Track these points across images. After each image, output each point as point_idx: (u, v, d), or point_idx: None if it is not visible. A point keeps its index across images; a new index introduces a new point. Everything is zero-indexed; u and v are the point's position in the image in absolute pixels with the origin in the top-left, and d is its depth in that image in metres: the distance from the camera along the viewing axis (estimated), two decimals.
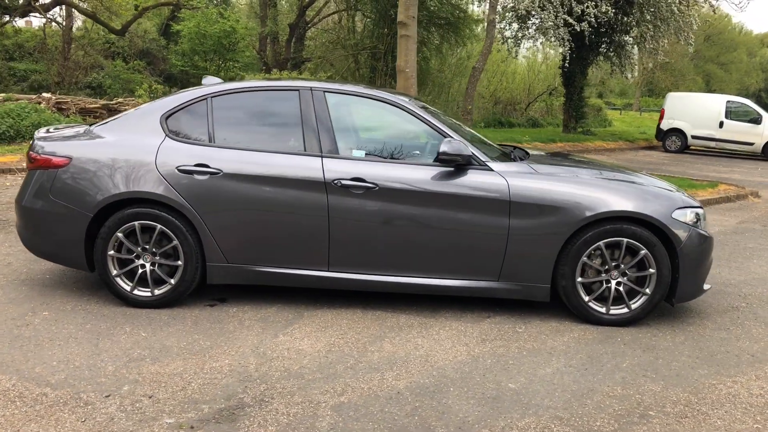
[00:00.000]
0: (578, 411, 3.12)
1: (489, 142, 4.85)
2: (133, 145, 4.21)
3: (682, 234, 4.17)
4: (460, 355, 3.71)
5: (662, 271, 4.17)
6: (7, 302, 4.20)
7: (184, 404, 3.01)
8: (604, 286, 4.25)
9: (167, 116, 4.30)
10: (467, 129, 4.96)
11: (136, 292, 4.20)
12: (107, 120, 4.52)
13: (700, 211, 4.35)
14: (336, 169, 4.13)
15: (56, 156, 4.21)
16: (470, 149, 4.17)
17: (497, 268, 4.18)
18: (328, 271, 4.23)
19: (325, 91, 4.33)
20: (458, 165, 4.14)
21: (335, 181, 4.09)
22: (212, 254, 4.19)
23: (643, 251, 4.17)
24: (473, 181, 4.13)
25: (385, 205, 4.11)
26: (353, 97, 4.39)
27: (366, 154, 4.26)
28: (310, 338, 3.86)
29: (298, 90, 4.34)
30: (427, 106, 4.77)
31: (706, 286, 4.43)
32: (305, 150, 4.20)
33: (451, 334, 4.00)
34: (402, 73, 12.72)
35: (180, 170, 4.11)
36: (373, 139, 4.45)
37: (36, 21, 27.57)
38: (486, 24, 18.09)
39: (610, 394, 3.30)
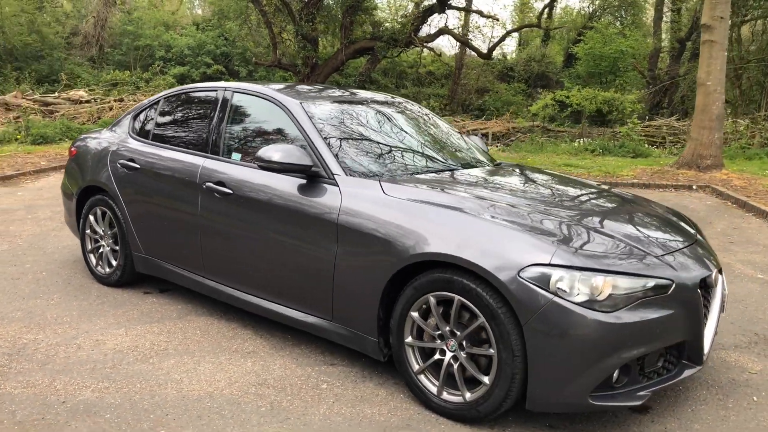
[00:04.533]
0: None
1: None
2: (107, 141, 4.83)
3: (531, 304, 2.72)
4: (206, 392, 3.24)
5: (504, 354, 2.80)
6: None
7: None
8: (437, 357, 3.07)
9: (134, 116, 4.80)
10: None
11: (99, 268, 4.81)
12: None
13: (578, 274, 2.72)
14: (209, 170, 3.99)
15: (73, 147, 5.13)
16: (314, 160, 3.51)
17: (329, 305, 3.43)
18: (204, 276, 4.11)
19: (234, 91, 4.19)
20: (310, 176, 3.53)
21: (204, 184, 3.97)
22: (133, 243, 4.52)
23: (480, 319, 2.87)
24: (315, 197, 3.47)
25: (240, 213, 3.79)
26: (253, 97, 4.10)
27: (241, 157, 3.97)
28: (129, 335, 3.87)
29: (216, 90, 4.31)
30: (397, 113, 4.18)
31: (608, 401, 2.76)
32: (207, 150, 4.14)
33: (233, 369, 3.48)
34: (702, 86, 10.57)
35: (119, 164, 4.56)
36: (259, 142, 4.04)
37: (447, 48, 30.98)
38: None
39: None
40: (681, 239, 3.27)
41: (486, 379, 2.89)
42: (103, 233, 4.76)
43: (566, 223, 3.06)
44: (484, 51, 22.47)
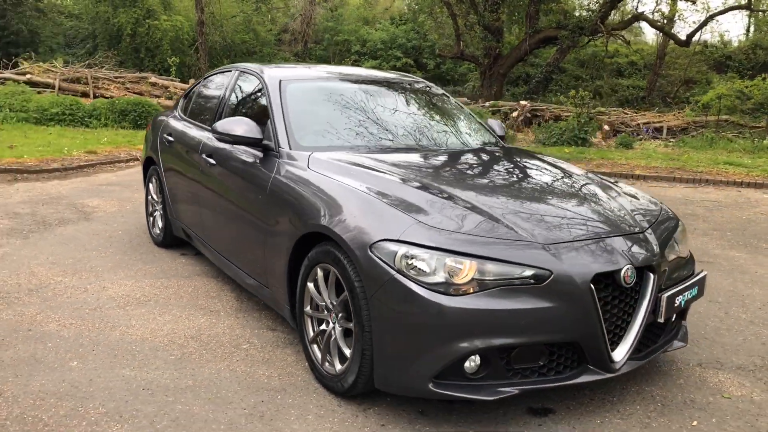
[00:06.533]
0: None
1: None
2: (165, 117, 5.45)
3: (376, 279, 2.66)
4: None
5: (358, 328, 2.77)
6: None
7: None
8: (323, 327, 3.10)
9: (185, 95, 5.34)
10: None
11: (153, 230, 5.48)
12: None
13: (431, 253, 2.57)
14: (206, 143, 4.35)
15: (149, 123, 5.84)
16: (269, 134, 3.68)
17: (264, 272, 3.61)
18: (203, 241, 4.50)
19: (240, 71, 4.51)
20: (264, 149, 3.73)
21: (202, 155, 4.35)
22: (169, 209, 5.07)
23: (344, 292, 2.86)
24: (264, 169, 3.64)
25: (218, 183, 4.11)
26: (250, 75, 4.33)
27: None
28: (133, 286, 4.38)
29: (231, 71, 4.67)
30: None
31: (456, 391, 2.60)
32: (211, 125, 4.51)
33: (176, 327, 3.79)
34: None
35: (162, 138, 5.14)
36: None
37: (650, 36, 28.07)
38: None
39: None
40: (602, 230, 2.91)
41: (347, 353, 2.88)
42: (156, 199, 5.40)
43: (452, 204, 2.90)
44: (683, 38, 20.43)
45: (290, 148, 3.58)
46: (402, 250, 2.62)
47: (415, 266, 2.59)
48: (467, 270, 2.58)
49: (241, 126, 3.65)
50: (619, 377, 3.21)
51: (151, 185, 5.49)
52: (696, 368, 3.42)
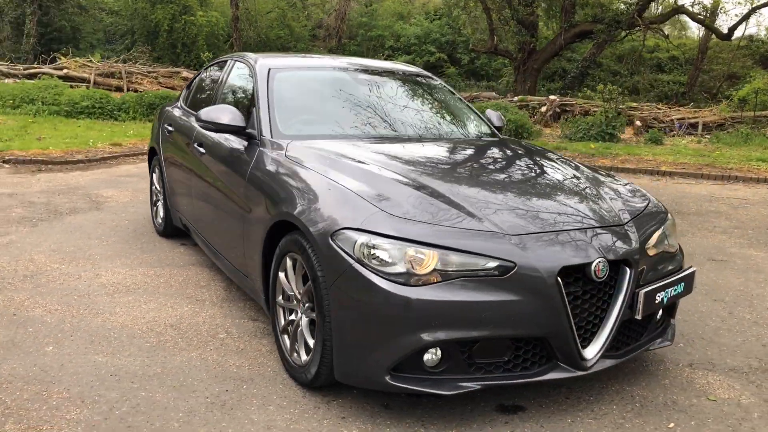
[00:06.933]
0: None
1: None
2: (168, 107, 5.48)
3: (336, 267, 2.60)
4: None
5: (320, 318, 2.71)
6: None
7: None
8: (292, 317, 3.05)
9: (187, 86, 5.36)
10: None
11: (155, 220, 5.52)
12: None
13: (392, 243, 2.50)
14: (198, 132, 4.34)
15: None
16: (252, 122, 3.65)
17: (245, 262, 3.58)
18: (197, 234, 4.50)
19: (236, 60, 4.50)
20: (248, 137, 3.70)
21: (194, 144, 4.35)
22: (168, 199, 5.09)
23: (309, 282, 2.81)
24: (247, 156, 3.61)
25: (208, 172, 4.10)
26: (243, 64, 4.30)
27: None
28: (126, 274, 4.41)
29: (227, 60, 4.66)
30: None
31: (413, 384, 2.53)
32: None
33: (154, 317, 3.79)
34: None
35: (164, 128, 5.17)
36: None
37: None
38: None
39: None
40: (575, 222, 2.79)
41: (311, 343, 2.83)
42: (158, 189, 5.44)
43: (422, 194, 2.82)
44: (725, 32, 19.78)
45: (272, 136, 3.55)
46: (362, 238, 2.56)
47: (377, 256, 2.53)
48: (429, 260, 2.50)
49: (225, 114, 3.62)
50: (599, 376, 3.12)
51: (154, 175, 5.54)
52: (685, 369, 3.27)
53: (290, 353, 3.02)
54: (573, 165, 3.64)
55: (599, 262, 2.63)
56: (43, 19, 24.08)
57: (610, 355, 2.81)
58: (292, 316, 3.04)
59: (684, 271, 3.10)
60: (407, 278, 2.49)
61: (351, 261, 2.55)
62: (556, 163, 3.60)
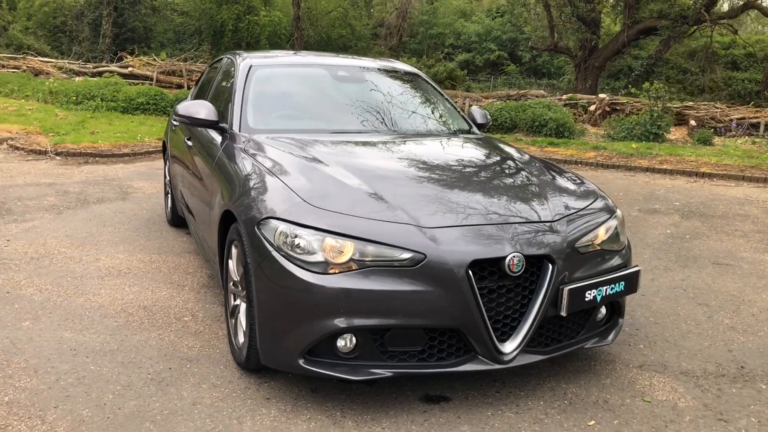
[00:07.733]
0: None
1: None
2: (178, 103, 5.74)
3: (258, 255, 2.73)
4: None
5: (247, 303, 2.86)
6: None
7: None
8: (236, 302, 3.20)
9: (196, 81, 5.61)
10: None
11: (165, 210, 5.80)
12: None
13: (310, 233, 2.61)
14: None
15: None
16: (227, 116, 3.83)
17: (214, 251, 3.76)
18: (189, 223, 4.73)
19: (230, 58, 4.69)
20: (222, 131, 3.88)
21: (186, 136, 4.58)
22: (173, 190, 5.36)
23: (242, 268, 2.96)
24: (220, 150, 3.81)
25: (194, 164, 4.31)
26: (233, 61, 4.52)
27: None
28: (124, 259, 4.69)
29: (224, 58, 4.87)
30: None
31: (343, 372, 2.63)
32: None
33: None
34: None
35: (171, 123, 5.44)
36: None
37: None
38: None
39: None
40: (495, 217, 2.81)
41: (243, 322, 2.97)
42: (167, 180, 5.72)
43: (352, 187, 2.91)
44: None
45: (240, 130, 3.71)
46: (281, 227, 2.68)
47: (298, 244, 2.64)
48: (346, 251, 2.59)
49: (200, 109, 3.82)
50: (539, 372, 3.13)
51: (166, 168, 5.82)
52: (633, 369, 3.23)
53: (235, 336, 3.17)
54: (528, 163, 3.63)
55: (513, 256, 2.65)
56: (118, 20, 25.35)
57: (535, 351, 2.82)
58: (237, 301, 3.19)
59: (626, 269, 3.06)
60: (324, 267, 2.59)
61: (270, 249, 2.67)
62: (512, 161, 3.60)
